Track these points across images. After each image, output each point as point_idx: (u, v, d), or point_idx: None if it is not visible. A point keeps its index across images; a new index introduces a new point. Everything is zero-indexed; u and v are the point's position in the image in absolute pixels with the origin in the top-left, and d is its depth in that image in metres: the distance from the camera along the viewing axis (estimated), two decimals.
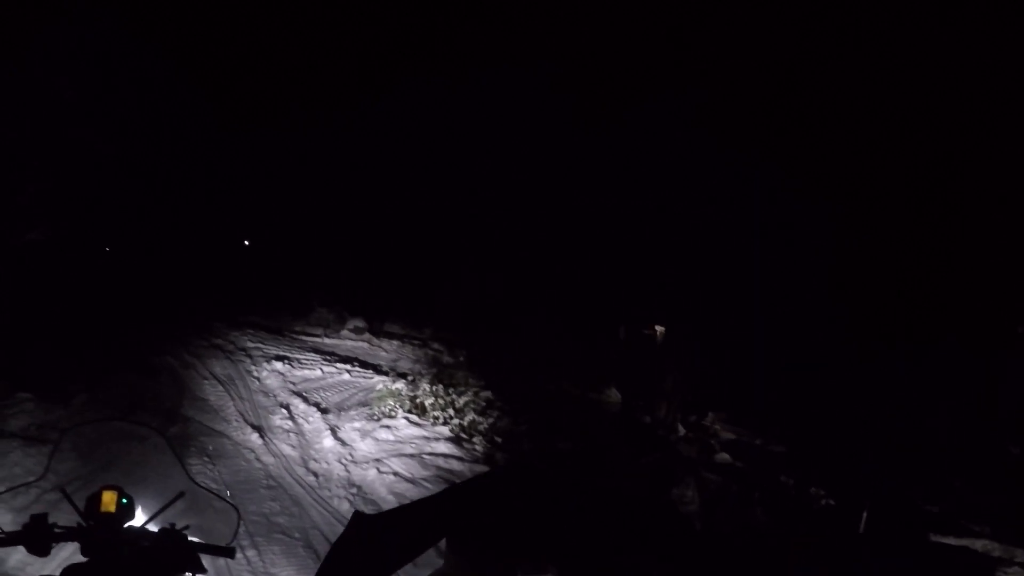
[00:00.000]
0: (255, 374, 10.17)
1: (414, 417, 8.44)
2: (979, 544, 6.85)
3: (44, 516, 1.86)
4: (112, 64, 13.80)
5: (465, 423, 8.52)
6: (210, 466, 6.92)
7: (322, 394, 9.50)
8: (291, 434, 8.08)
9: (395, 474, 6.97)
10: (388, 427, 8.10)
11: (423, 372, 10.59)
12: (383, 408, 8.62)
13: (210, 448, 7.38)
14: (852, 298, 12.79)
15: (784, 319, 12.72)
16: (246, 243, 21.14)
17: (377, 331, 13.54)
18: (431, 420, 8.45)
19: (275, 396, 9.34)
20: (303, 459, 7.44)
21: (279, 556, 5.34)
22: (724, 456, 9.98)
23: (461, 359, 12.02)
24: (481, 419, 8.75)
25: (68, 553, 2.67)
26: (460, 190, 18.86)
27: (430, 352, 12.52)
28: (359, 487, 6.73)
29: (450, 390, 9.45)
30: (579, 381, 12.08)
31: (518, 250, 16.95)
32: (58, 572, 1.76)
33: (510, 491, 2.44)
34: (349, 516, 2.69)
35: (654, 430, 10.82)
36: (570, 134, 18.02)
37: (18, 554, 4.51)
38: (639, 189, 16.64)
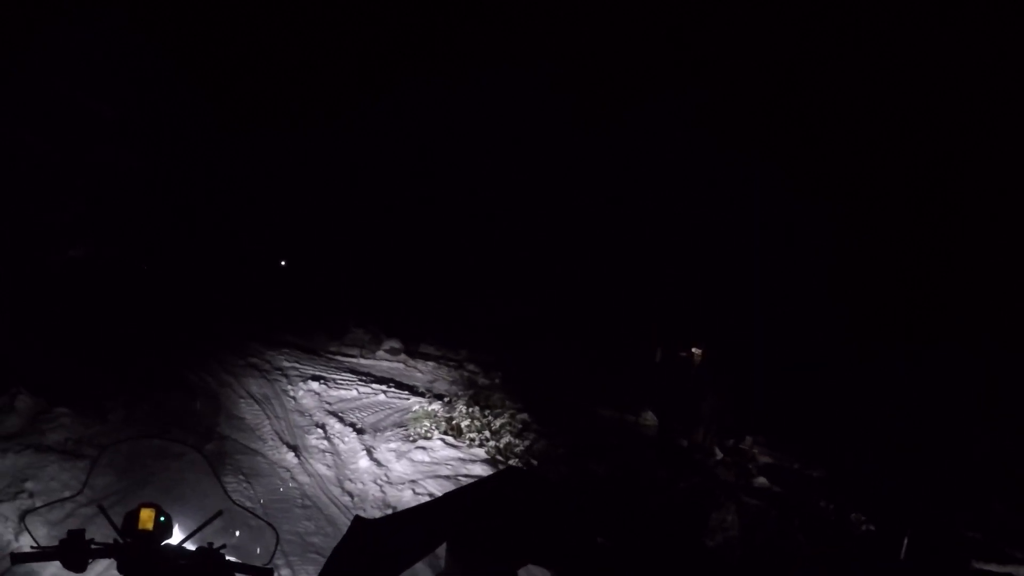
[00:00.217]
0: (291, 393, 10.18)
1: (450, 439, 8.34)
2: (1022, 572, 6.56)
3: (81, 532, 1.82)
4: (128, 70, 14.00)
5: (501, 445, 8.40)
6: (245, 484, 6.89)
7: (358, 414, 9.46)
8: (327, 454, 8.04)
9: (430, 496, 6.87)
10: (424, 448, 8.01)
11: (459, 393, 10.52)
12: (419, 429, 8.55)
13: (246, 467, 7.36)
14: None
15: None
16: (282, 263, 21.38)
17: (412, 352, 13.55)
18: (467, 442, 8.35)
19: (311, 416, 9.33)
20: (338, 479, 7.38)
21: None
22: (762, 480, 9.79)
23: (496, 381, 11.96)
24: (517, 441, 8.62)
25: (102, 568, 2.62)
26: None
27: (465, 373, 12.47)
28: (394, 508, 6.64)
29: (486, 412, 9.34)
30: (615, 403, 11.92)
31: (547, 264, 16.89)
32: None
33: (512, 495, 2.35)
34: None
35: (691, 454, 10.63)
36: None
37: (53, 568, 4.48)
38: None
